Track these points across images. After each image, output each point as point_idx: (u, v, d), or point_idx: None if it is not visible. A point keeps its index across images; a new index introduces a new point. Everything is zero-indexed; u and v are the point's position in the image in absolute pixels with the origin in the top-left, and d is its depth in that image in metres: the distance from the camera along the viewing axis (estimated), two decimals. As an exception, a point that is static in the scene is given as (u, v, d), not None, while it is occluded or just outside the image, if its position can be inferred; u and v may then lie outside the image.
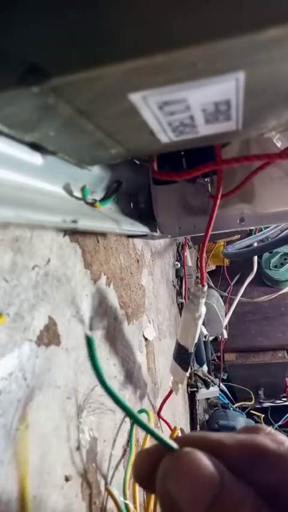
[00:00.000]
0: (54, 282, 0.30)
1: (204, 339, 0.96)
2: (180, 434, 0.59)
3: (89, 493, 0.32)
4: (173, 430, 0.53)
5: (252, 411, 1.39)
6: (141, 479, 0.18)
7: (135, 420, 0.17)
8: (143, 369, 0.53)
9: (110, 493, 0.35)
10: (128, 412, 0.17)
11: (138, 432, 0.46)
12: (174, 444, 0.16)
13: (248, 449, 0.16)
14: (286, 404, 1.40)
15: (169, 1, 0.12)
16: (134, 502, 0.39)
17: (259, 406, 1.39)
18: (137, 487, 0.41)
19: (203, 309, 0.44)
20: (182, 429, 0.78)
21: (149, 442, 0.48)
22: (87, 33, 0.13)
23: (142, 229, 0.46)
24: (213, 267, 1.36)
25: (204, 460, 0.15)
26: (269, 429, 0.18)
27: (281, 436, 0.16)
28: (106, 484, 0.36)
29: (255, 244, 1.01)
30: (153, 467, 0.17)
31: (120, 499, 0.35)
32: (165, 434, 0.17)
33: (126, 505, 0.36)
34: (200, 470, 0.15)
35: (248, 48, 0.13)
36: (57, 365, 0.29)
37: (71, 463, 0.30)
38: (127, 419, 0.44)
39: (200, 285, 0.42)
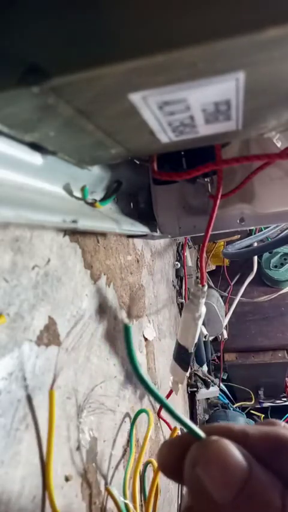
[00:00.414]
0: (54, 282, 0.30)
1: (204, 339, 0.96)
2: (180, 434, 0.59)
3: (89, 493, 0.32)
4: (172, 430, 0.53)
5: (252, 411, 1.39)
6: (167, 469, 0.18)
7: (166, 408, 0.18)
8: (143, 369, 0.53)
9: (110, 493, 0.35)
10: (159, 400, 0.18)
11: (138, 433, 0.46)
12: (202, 433, 0.17)
13: (271, 440, 0.17)
14: (286, 404, 1.40)
15: (169, 1, 0.12)
16: (134, 502, 0.39)
17: (259, 406, 1.39)
18: (137, 487, 0.41)
19: (203, 309, 0.44)
20: (182, 429, 0.78)
21: (149, 442, 0.48)
22: (87, 33, 0.13)
23: (142, 229, 0.46)
24: (213, 267, 1.36)
25: (232, 447, 0.16)
26: (284, 423, 0.18)
27: None
28: (106, 484, 0.36)
29: (255, 244, 1.01)
30: (179, 457, 0.17)
31: (120, 499, 0.35)
32: (193, 423, 0.17)
33: (126, 505, 0.36)
34: (229, 457, 0.15)
35: (248, 48, 0.13)
36: (57, 365, 0.29)
37: (71, 463, 0.30)
38: (127, 419, 0.44)
39: (200, 285, 0.42)
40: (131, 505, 0.37)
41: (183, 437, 0.18)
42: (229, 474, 0.15)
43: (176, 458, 0.17)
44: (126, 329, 0.18)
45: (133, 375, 0.48)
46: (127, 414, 0.44)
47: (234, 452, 0.16)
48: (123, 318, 0.19)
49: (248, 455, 0.16)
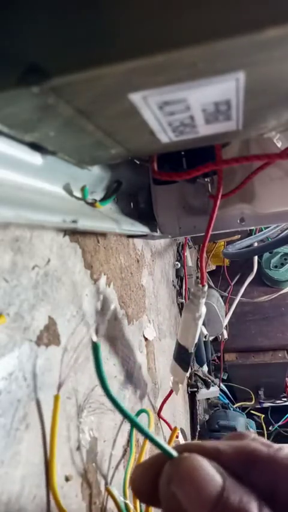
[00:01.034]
0: (54, 282, 0.30)
1: (204, 339, 0.96)
2: (180, 434, 0.59)
3: (89, 493, 0.32)
4: (173, 430, 0.53)
5: (252, 412, 1.39)
6: (142, 494, 0.18)
7: (136, 427, 0.18)
8: (143, 369, 0.53)
9: (110, 493, 0.35)
10: (129, 418, 0.18)
11: (138, 433, 0.46)
12: (174, 452, 0.17)
13: (243, 454, 0.17)
14: (286, 404, 1.40)
15: (169, 1, 0.12)
16: (134, 502, 0.39)
17: (259, 406, 1.39)
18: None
19: (203, 309, 0.44)
20: (182, 430, 0.78)
21: (149, 442, 0.48)
22: (87, 33, 0.13)
23: (142, 229, 0.46)
24: (214, 267, 1.36)
25: (205, 462, 0.16)
26: (253, 435, 0.18)
27: (265, 440, 0.17)
28: (106, 484, 0.36)
29: (256, 244, 1.01)
30: (153, 479, 0.17)
31: (120, 498, 0.35)
32: (164, 442, 0.17)
33: (126, 505, 0.36)
34: (202, 472, 0.15)
35: (248, 48, 0.13)
36: (57, 365, 0.29)
37: (71, 463, 0.30)
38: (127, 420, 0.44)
39: (200, 285, 0.42)
40: (131, 505, 0.37)
41: (155, 458, 0.18)
42: (203, 490, 0.15)
43: (151, 481, 0.17)
44: (95, 347, 0.18)
45: (133, 376, 0.48)
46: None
47: (207, 467, 0.16)
48: (92, 335, 0.19)
49: (221, 469, 0.16)
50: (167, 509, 0.16)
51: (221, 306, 1.03)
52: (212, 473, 0.16)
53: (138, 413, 0.45)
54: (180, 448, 0.17)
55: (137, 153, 0.26)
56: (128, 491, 0.39)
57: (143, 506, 0.42)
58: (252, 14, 0.12)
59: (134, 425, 0.18)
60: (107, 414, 0.38)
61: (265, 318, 1.31)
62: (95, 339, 0.18)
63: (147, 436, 0.17)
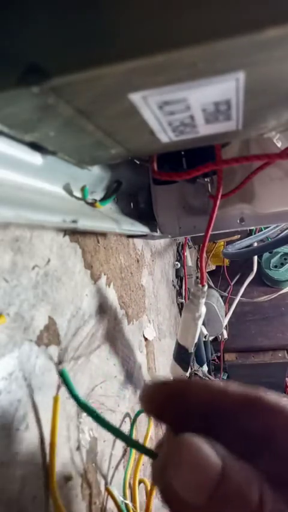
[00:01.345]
0: (54, 282, 0.30)
1: (204, 339, 0.96)
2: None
3: (89, 493, 0.32)
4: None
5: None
6: (154, 410, 0.18)
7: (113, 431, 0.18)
8: (143, 369, 0.53)
9: (110, 493, 0.35)
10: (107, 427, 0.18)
11: (138, 433, 0.46)
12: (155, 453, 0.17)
13: (250, 398, 0.16)
14: (286, 404, 1.40)
15: (169, 1, 0.12)
16: (134, 502, 0.39)
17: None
18: (137, 488, 0.41)
19: (203, 309, 0.44)
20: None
21: (149, 442, 0.48)
22: (87, 33, 0.13)
23: (142, 229, 0.46)
24: (213, 267, 1.36)
25: (205, 446, 0.15)
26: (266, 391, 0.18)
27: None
28: (106, 484, 0.36)
29: (255, 244, 1.01)
30: (166, 397, 0.17)
31: (120, 499, 0.35)
32: (142, 445, 0.17)
33: (126, 505, 0.36)
34: (201, 457, 0.15)
35: (248, 48, 0.13)
36: (58, 365, 0.29)
37: (71, 463, 0.30)
38: (127, 419, 0.44)
39: (200, 285, 0.42)
40: (130, 505, 0.37)
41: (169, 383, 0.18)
42: (201, 475, 0.14)
43: (163, 399, 0.17)
44: (63, 374, 0.19)
45: (133, 375, 0.48)
46: (127, 414, 0.44)
47: (207, 451, 0.15)
48: (58, 365, 0.19)
49: (221, 450, 0.15)
50: (163, 495, 0.16)
51: (221, 306, 1.03)
52: (211, 458, 0.15)
53: (138, 413, 0.45)
54: (185, 385, 0.17)
55: (137, 153, 0.26)
56: (128, 491, 0.39)
57: (143, 506, 0.42)
58: (252, 14, 0.12)
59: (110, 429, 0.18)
60: (107, 414, 0.38)
61: (265, 318, 1.31)
62: (61, 367, 0.18)
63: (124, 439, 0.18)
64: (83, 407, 0.18)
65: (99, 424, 0.18)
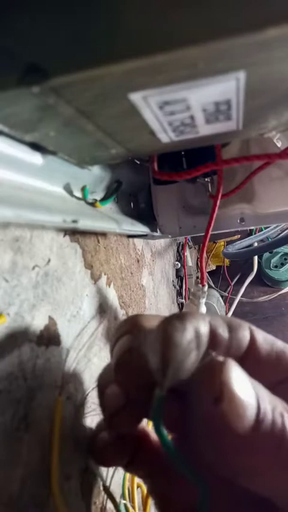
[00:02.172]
0: (55, 282, 0.30)
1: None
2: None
3: (89, 493, 0.32)
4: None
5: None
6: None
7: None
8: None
9: (108, 494, 0.35)
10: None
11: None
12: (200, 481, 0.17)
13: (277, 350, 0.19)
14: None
15: (169, 1, 0.12)
16: (133, 502, 0.39)
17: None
18: (136, 488, 0.41)
19: (203, 309, 0.44)
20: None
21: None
22: (87, 33, 0.13)
23: (142, 229, 0.46)
24: (214, 267, 1.36)
25: (246, 376, 0.16)
26: None
27: None
28: (106, 484, 0.36)
29: (255, 244, 1.01)
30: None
31: (119, 499, 0.35)
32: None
33: (125, 505, 0.36)
34: (247, 389, 0.15)
35: (249, 48, 0.13)
36: (58, 365, 0.29)
37: (71, 462, 0.30)
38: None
39: (200, 285, 0.42)
40: (129, 505, 0.37)
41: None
42: (249, 408, 0.15)
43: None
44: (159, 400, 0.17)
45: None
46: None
47: (249, 381, 0.15)
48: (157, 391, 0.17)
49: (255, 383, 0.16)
50: (209, 428, 0.16)
51: (221, 306, 1.03)
52: (251, 388, 0.15)
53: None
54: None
55: (137, 153, 0.26)
56: (127, 492, 0.39)
57: (142, 506, 0.42)
58: (252, 14, 0.12)
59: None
60: (107, 414, 0.38)
61: (265, 318, 1.31)
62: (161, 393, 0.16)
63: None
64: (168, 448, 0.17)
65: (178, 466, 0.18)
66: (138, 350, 0.18)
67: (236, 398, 0.14)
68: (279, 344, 0.19)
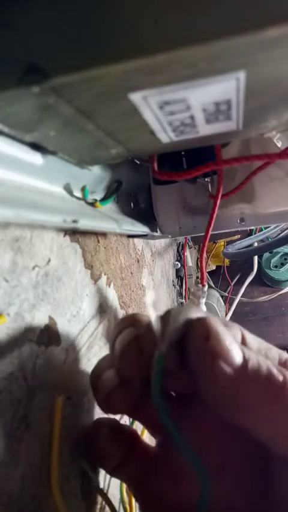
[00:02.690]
0: (55, 282, 0.30)
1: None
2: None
3: (89, 493, 0.32)
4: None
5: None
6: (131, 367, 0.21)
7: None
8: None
9: (104, 497, 0.35)
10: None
11: (138, 430, 0.46)
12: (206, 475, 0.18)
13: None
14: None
15: (169, 1, 0.12)
16: (130, 503, 0.39)
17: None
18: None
19: (203, 309, 0.44)
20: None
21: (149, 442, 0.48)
22: (87, 33, 0.13)
23: (142, 229, 0.46)
24: (214, 267, 1.36)
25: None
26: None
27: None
28: (99, 486, 0.36)
29: (256, 244, 1.01)
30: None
31: (118, 499, 0.35)
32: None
33: (124, 505, 0.36)
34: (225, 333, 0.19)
35: (249, 48, 0.13)
36: (58, 365, 0.29)
37: (72, 463, 0.30)
38: (126, 419, 0.44)
39: (200, 285, 0.42)
40: (128, 506, 0.37)
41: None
42: (233, 345, 0.18)
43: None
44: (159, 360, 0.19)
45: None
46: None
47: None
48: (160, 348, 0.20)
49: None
50: (202, 367, 0.18)
51: (221, 306, 1.03)
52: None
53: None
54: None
55: (137, 153, 0.26)
56: (125, 494, 0.39)
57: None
58: (252, 14, 0.12)
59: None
60: (107, 414, 0.38)
61: (265, 318, 1.31)
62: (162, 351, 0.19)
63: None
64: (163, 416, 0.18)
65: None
66: (141, 339, 0.20)
67: (220, 335, 0.18)
68: (265, 343, 0.22)
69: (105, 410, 0.26)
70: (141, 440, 0.27)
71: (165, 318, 0.19)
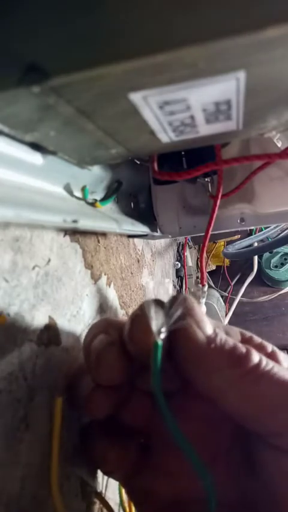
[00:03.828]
0: (55, 282, 0.30)
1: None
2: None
3: (89, 493, 0.32)
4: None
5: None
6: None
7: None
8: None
9: (101, 501, 0.35)
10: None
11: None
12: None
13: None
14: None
15: (169, 1, 0.12)
16: (129, 506, 0.39)
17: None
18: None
19: (203, 309, 0.44)
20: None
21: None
22: (88, 33, 0.13)
23: (142, 229, 0.46)
24: (214, 267, 1.36)
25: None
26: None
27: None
28: (105, 483, 0.36)
29: (255, 244, 1.01)
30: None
31: (117, 508, 0.35)
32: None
33: (123, 505, 0.36)
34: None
35: (249, 48, 0.13)
36: (58, 365, 0.29)
37: (71, 463, 0.30)
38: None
39: (200, 285, 0.42)
40: (127, 506, 0.37)
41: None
42: (208, 320, 0.21)
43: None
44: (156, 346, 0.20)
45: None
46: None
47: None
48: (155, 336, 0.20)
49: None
50: (184, 340, 0.20)
51: (221, 306, 1.04)
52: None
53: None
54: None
55: (137, 153, 0.26)
56: (124, 493, 0.39)
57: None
58: (252, 14, 0.12)
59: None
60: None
61: (265, 318, 1.31)
62: (159, 340, 0.19)
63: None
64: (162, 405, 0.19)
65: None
66: (116, 345, 0.22)
67: (196, 308, 0.20)
68: (255, 336, 0.25)
69: (87, 413, 0.27)
70: (135, 435, 0.27)
71: (162, 304, 0.21)
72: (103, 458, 0.26)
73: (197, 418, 0.24)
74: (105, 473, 0.28)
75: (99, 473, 0.35)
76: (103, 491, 0.35)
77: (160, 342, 0.19)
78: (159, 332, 0.19)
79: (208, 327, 0.20)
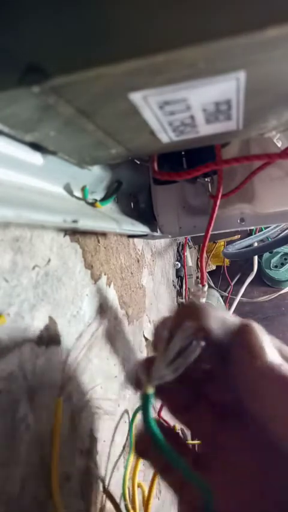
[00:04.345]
0: (55, 282, 0.30)
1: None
2: (180, 433, 0.59)
3: (89, 493, 0.32)
4: (173, 428, 0.53)
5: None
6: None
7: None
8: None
9: (108, 495, 0.35)
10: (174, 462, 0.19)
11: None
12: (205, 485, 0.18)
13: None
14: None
15: (169, 1, 0.12)
16: (133, 503, 0.39)
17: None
18: (136, 488, 0.41)
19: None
20: (182, 428, 0.78)
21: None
22: (88, 33, 0.13)
23: (142, 229, 0.46)
24: (214, 267, 1.36)
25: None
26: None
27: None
28: (105, 483, 0.36)
29: (255, 244, 1.01)
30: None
31: (119, 499, 0.35)
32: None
33: (126, 505, 0.36)
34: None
35: (248, 48, 0.13)
36: (58, 365, 0.29)
37: (71, 462, 0.30)
38: (126, 420, 0.44)
39: (200, 285, 0.42)
40: (129, 505, 0.37)
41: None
42: (271, 349, 0.20)
43: None
44: (146, 398, 0.19)
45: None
46: (127, 414, 0.44)
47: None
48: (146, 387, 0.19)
49: None
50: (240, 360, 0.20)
51: (221, 306, 1.03)
52: None
53: (136, 412, 0.45)
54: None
55: (137, 153, 0.26)
56: (128, 492, 0.39)
57: (142, 507, 0.42)
58: (252, 14, 0.12)
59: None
60: (107, 414, 0.38)
61: (265, 318, 1.31)
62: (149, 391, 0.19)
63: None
64: (153, 435, 0.19)
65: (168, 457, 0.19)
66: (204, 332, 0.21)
67: (259, 335, 0.21)
68: None
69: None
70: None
71: (151, 359, 0.20)
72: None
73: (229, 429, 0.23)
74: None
75: (104, 466, 0.35)
76: (107, 485, 0.35)
77: (151, 392, 0.19)
78: (152, 380, 0.19)
79: (270, 354, 0.20)
